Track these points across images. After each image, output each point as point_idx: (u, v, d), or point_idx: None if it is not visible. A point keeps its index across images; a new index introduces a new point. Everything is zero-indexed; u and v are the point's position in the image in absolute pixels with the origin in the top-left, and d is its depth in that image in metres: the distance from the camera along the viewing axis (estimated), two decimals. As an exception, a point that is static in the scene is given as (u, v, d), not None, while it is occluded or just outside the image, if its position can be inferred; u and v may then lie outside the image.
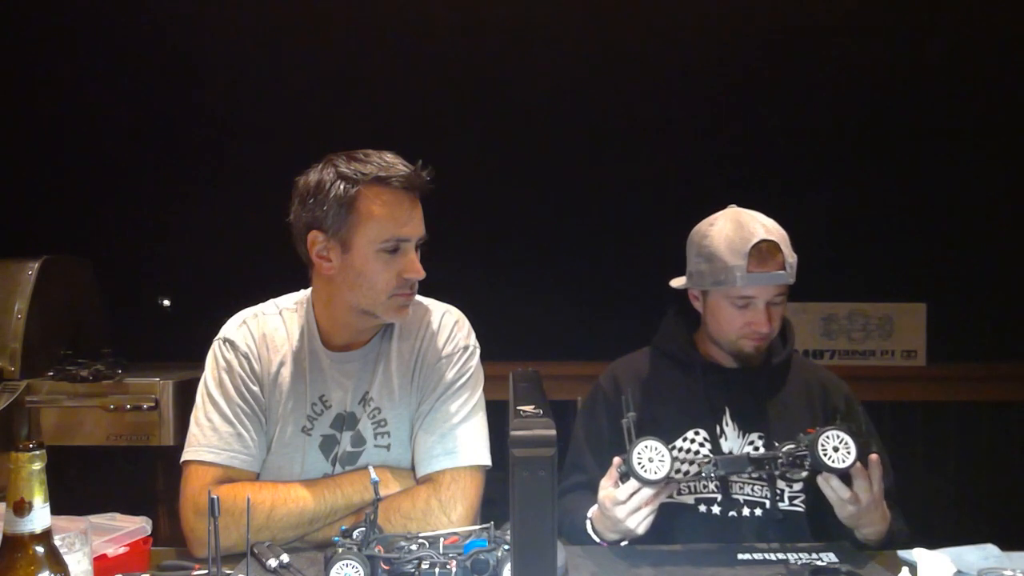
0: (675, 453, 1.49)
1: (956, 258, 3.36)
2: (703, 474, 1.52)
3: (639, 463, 1.45)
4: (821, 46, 3.36)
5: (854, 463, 1.45)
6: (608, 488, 1.52)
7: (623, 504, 1.48)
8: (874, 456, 1.49)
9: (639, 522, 1.49)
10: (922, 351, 3.33)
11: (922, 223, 3.39)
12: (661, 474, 1.45)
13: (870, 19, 3.36)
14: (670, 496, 1.58)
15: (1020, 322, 3.29)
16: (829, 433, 1.47)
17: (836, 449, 1.46)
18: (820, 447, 1.46)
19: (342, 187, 1.49)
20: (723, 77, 3.39)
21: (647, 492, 1.48)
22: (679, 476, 1.50)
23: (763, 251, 1.66)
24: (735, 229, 1.70)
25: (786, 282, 1.68)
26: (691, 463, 1.54)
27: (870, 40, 3.37)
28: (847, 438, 1.46)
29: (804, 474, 1.55)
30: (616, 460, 1.53)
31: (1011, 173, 3.36)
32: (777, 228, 1.72)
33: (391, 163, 1.51)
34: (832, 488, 1.50)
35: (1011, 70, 3.32)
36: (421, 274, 1.54)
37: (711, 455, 1.54)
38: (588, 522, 1.61)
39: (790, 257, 1.68)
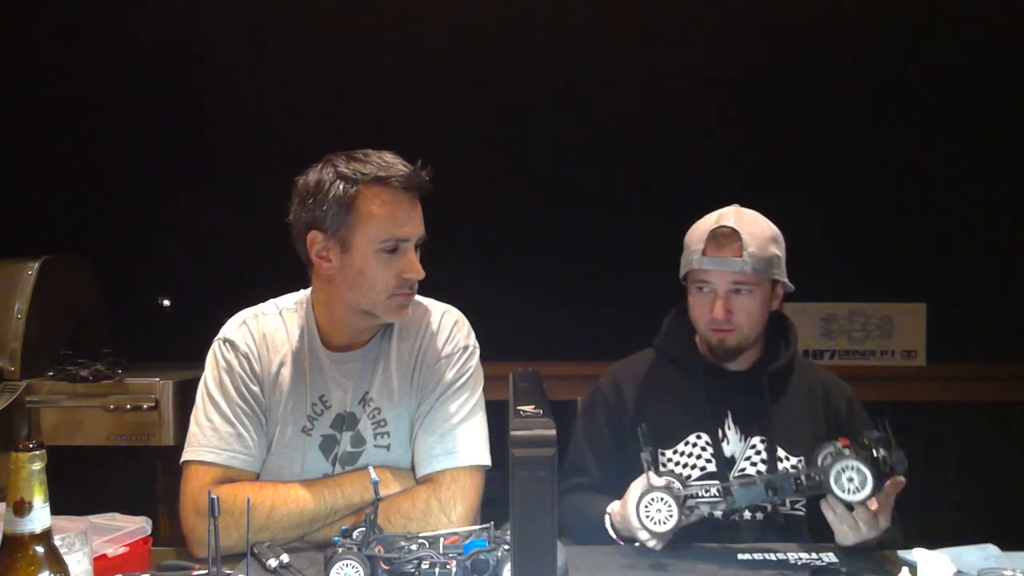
0: (689, 492, 1.49)
1: (956, 258, 3.36)
2: (722, 505, 1.50)
3: (647, 515, 1.47)
4: (821, 46, 3.36)
5: (869, 496, 1.41)
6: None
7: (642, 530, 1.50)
8: (900, 480, 1.46)
9: (655, 544, 1.52)
10: (922, 351, 3.32)
11: (922, 223, 3.38)
12: (668, 527, 1.46)
13: (870, 19, 3.35)
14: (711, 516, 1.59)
15: (1020, 322, 3.28)
16: (847, 463, 1.42)
17: (851, 480, 1.41)
18: (834, 477, 1.42)
19: (341, 187, 1.49)
20: (723, 77, 3.38)
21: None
22: (695, 511, 1.50)
23: (720, 236, 1.69)
24: (712, 219, 1.74)
25: (739, 270, 1.67)
26: (706, 499, 1.51)
27: (870, 40, 3.37)
28: (864, 470, 1.40)
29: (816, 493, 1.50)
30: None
31: (1011, 173, 3.36)
32: (757, 224, 1.72)
33: (391, 163, 1.51)
34: (835, 514, 1.48)
35: (1011, 70, 3.32)
36: (421, 274, 1.54)
37: (727, 488, 1.50)
38: (607, 517, 1.61)
39: (754, 248, 1.67)
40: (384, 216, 1.49)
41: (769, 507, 1.70)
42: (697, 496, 1.50)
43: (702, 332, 1.77)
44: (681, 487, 1.50)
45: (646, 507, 1.47)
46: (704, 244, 1.69)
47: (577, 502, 1.72)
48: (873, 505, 1.46)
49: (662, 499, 1.46)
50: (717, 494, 1.50)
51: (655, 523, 1.46)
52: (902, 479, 1.47)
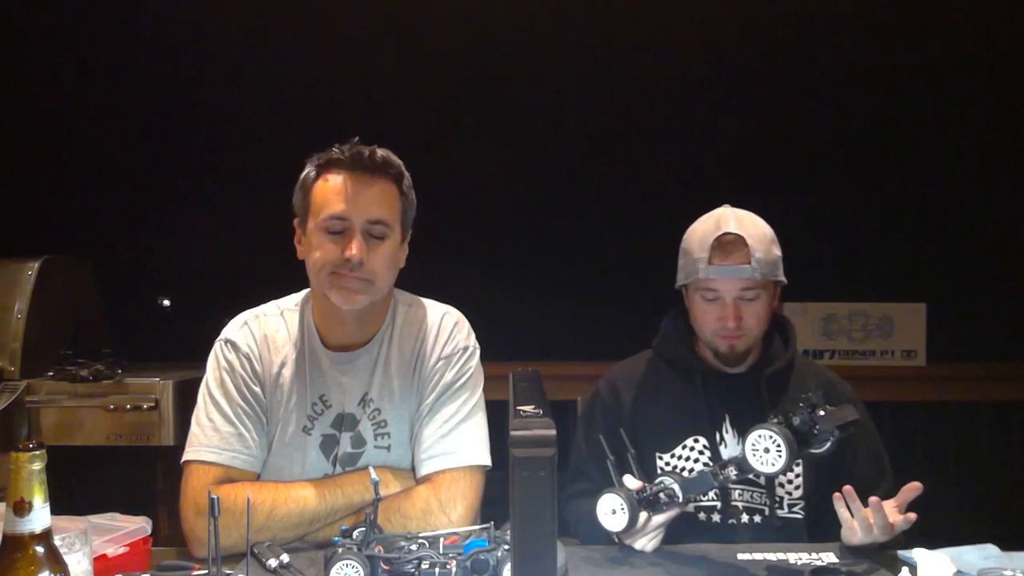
0: (653, 490, 1.52)
1: (956, 258, 3.36)
2: (680, 500, 1.52)
3: (603, 514, 1.50)
4: (821, 46, 3.36)
5: (783, 469, 1.38)
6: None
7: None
8: (916, 485, 1.47)
9: (643, 546, 1.54)
10: (922, 351, 3.32)
11: (922, 223, 3.39)
12: (622, 526, 1.49)
13: (870, 19, 3.36)
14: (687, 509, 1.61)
15: (1020, 322, 3.28)
16: (761, 432, 1.40)
17: (767, 450, 1.39)
18: (751, 447, 1.40)
19: (306, 174, 1.55)
20: (723, 77, 3.39)
21: (652, 520, 1.52)
22: (659, 509, 1.52)
23: (726, 244, 1.66)
24: (711, 224, 1.71)
25: (749, 276, 1.65)
26: (661, 496, 1.52)
27: (870, 40, 3.37)
28: (779, 439, 1.38)
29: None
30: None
31: (1011, 173, 3.36)
32: (758, 227, 1.71)
33: (349, 148, 1.53)
34: (849, 511, 1.48)
35: (1011, 70, 3.32)
36: (357, 255, 1.49)
37: (672, 486, 1.52)
38: None
39: (760, 253, 1.66)
40: (327, 195, 1.51)
41: (767, 510, 1.69)
42: (657, 494, 1.52)
43: (709, 339, 1.74)
44: (675, 487, 1.51)
45: (601, 508, 1.51)
46: (709, 253, 1.66)
47: (581, 507, 1.72)
48: (893, 516, 1.46)
49: (615, 499, 1.50)
50: (676, 490, 1.51)
51: (610, 523, 1.50)
52: (919, 484, 1.46)
